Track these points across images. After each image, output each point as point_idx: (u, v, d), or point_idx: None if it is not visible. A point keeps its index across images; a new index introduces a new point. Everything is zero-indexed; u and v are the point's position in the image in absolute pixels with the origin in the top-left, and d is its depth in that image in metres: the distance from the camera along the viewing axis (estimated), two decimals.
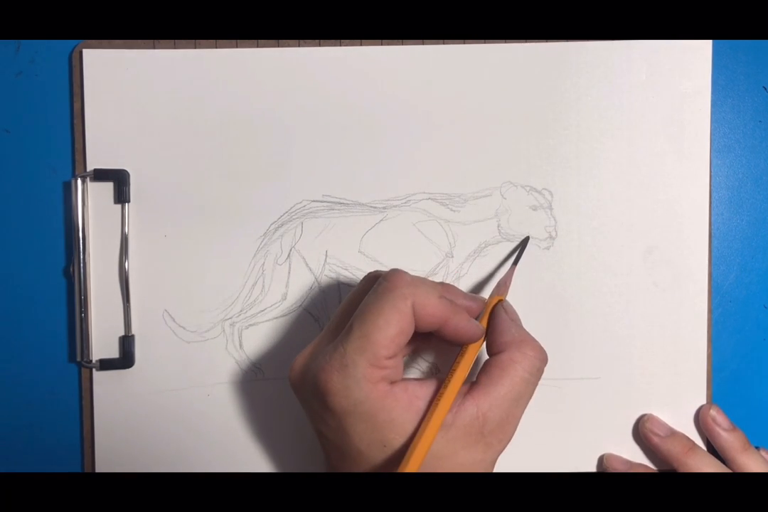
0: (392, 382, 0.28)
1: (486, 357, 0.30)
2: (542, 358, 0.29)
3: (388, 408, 0.27)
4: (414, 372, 0.36)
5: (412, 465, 0.26)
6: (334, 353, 0.27)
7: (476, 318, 0.31)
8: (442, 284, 0.30)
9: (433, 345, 0.35)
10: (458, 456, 0.28)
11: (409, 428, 0.27)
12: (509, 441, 0.29)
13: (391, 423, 0.27)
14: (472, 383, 0.29)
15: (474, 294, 0.33)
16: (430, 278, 0.36)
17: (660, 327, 0.37)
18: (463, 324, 0.28)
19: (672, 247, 0.37)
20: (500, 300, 0.32)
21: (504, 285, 0.33)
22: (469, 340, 0.29)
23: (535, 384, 0.29)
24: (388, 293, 0.27)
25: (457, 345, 0.30)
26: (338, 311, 0.30)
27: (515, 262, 0.35)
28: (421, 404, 0.28)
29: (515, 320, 0.31)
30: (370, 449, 0.27)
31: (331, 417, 0.28)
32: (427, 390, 0.28)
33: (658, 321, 0.37)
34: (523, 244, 0.36)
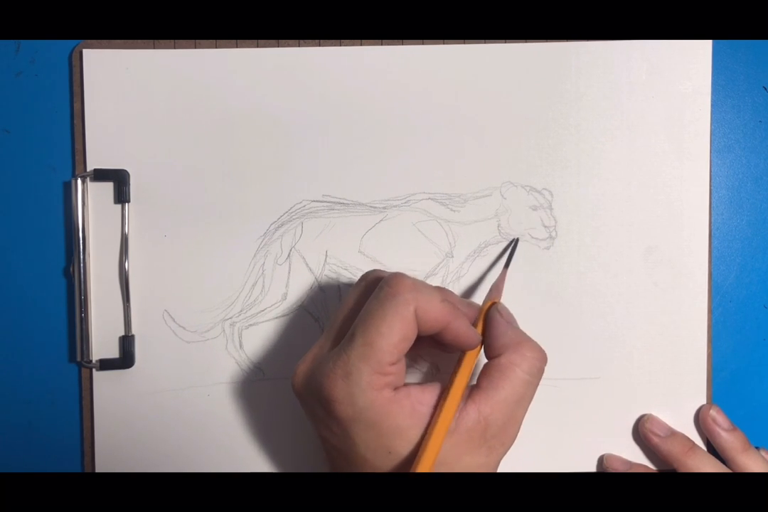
0: (395, 388, 0.28)
1: (485, 360, 0.30)
2: (541, 358, 0.29)
3: (393, 414, 0.27)
4: (414, 373, 0.36)
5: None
6: (337, 360, 0.27)
7: (472, 325, 0.31)
8: (440, 288, 0.30)
9: (434, 350, 0.35)
10: (462, 461, 0.28)
11: (413, 434, 0.27)
12: (512, 443, 0.29)
13: (396, 429, 0.27)
14: (473, 387, 0.29)
15: (469, 301, 0.33)
16: (430, 279, 0.36)
17: (660, 327, 0.37)
18: (463, 329, 0.28)
19: (672, 246, 0.37)
20: (494, 303, 0.32)
21: (497, 289, 0.33)
22: (467, 347, 0.29)
23: (536, 385, 0.29)
24: (390, 299, 0.27)
25: (453, 351, 0.30)
26: (338, 316, 0.30)
27: (506, 265, 0.35)
28: (425, 409, 0.28)
29: (511, 322, 0.30)
30: (376, 456, 0.27)
31: (336, 425, 0.28)
32: (429, 395, 0.28)
33: (658, 321, 0.37)
34: (513, 245, 0.36)
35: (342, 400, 0.27)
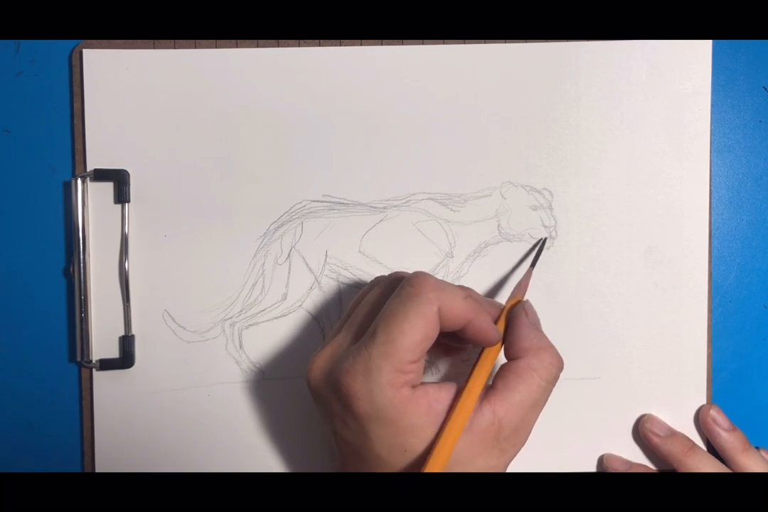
0: (413, 386, 0.28)
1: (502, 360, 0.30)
2: (559, 366, 0.29)
3: (409, 412, 0.27)
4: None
5: (433, 470, 0.26)
6: (358, 357, 0.27)
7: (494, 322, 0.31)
8: (463, 287, 0.30)
9: (438, 351, 0.35)
10: (475, 462, 0.28)
11: (430, 432, 0.27)
12: (523, 445, 0.29)
13: (412, 427, 0.27)
14: (489, 388, 0.29)
15: (491, 299, 0.33)
16: None
17: (660, 327, 0.37)
18: (486, 325, 0.29)
19: (672, 246, 0.37)
20: (518, 302, 0.32)
21: (521, 288, 0.33)
22: (487, 343, 0.29)
23: (551, 391, 0.29)
24: (414, 298, 0.27)
25: (456, 354, 0.30)
26: (358, 313, 0.30)
27: (533, 264, 0.35)
28: (441, 408, 0.27)
29: (535, 323, 0.31)
30: (391, 454, 0.27)
31: (353, 421, 0.27)
32: (446, 394, 0.28)
33: (658, 321, 0.37)
34: (541, 244, 0.36)
35: (361, 397, 0.27)
